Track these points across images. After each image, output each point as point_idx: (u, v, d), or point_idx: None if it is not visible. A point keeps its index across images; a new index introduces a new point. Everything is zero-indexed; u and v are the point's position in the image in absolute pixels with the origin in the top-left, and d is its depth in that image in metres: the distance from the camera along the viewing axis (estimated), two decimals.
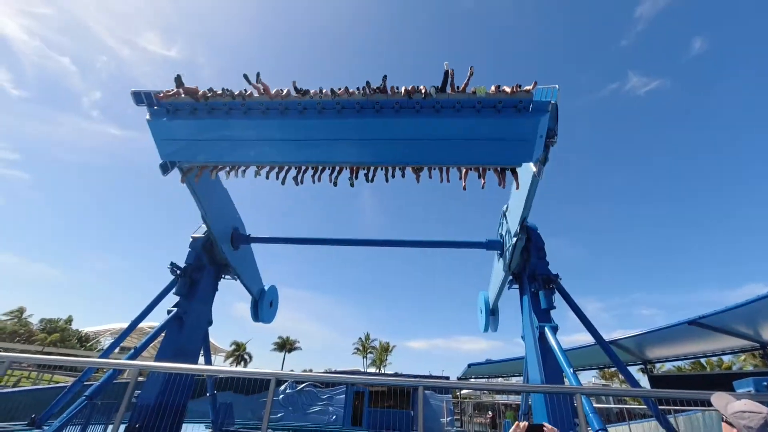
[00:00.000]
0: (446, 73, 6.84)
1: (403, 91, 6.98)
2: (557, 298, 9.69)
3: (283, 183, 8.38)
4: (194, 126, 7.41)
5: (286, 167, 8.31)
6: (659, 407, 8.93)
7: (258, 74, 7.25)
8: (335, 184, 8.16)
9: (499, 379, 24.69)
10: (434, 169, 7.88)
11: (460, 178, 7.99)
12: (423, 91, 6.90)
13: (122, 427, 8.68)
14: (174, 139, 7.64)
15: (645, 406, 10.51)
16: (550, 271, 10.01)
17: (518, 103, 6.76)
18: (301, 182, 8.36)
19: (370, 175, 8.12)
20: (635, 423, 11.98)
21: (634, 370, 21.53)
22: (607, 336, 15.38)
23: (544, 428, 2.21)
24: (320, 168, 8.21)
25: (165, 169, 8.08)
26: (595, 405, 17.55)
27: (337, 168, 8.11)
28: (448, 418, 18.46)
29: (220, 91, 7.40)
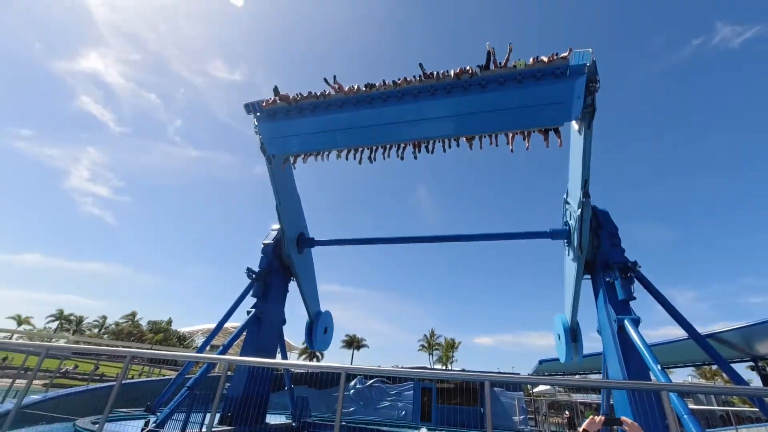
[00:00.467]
0: (488, 53, 7.76)
1: (452, 74, 8.00)
2: (637, 287, 8.87)
3: (360, 162, 9.73)
4: (289, 124, 9.31)
5: (361, 148, 9.68)
6: None
7: (334, 77, 8.97)
8: (402, 158, 9.48)
9: (576, 376, 23.01)
10: (484, 137, 8.70)
11: (508, 143, 8.70)
12: (470, 71, 7.87)
13: (217, 416, 9.81)
14: (276, 136, 9.63)
15: (757, 409, 9.15)
16: (627, 258, 9.18)
17: (555, 69, 7.44)
18: (374, 160, 9.68)
19: (431, 147, 9.19)
20: (744, 427, 10.48)
21: (742, 368, 18.75)
22: (703, 329, 13.62)
23: (623, 421, 2.13)
24: (388, 146, 9.46)
25: (270, 161, 10.33)
26: (693, 406, 15.68)
27: (402, 145, 9.32)
28: (521, 417, 17.73)
29: (306, 94, 9.21)
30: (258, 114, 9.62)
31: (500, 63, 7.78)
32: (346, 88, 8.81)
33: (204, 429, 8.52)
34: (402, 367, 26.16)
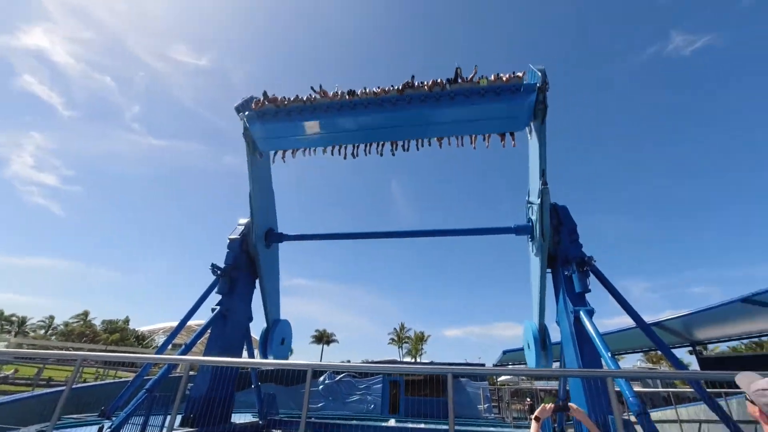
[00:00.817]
0: (456, 70, 9.37)
1: (426, 87, 9.44)
2: (593, 281, 9.46)
3: (345, 158, 10.95)
4: (278, 125, 10.34)
5: (345, 146, 10.91)
6: (709, 390, 8.55)
7: (320, 85, 10.32)
8: (381, 154, 10.79)
9: (533, 366, 24.13)
10: (452, 138, 10.30)
11: (471, 143, 10.35)
12: (441, 84, 9.35)
13: (179, 418, 9.45)
14: (267, 137, 10.69)
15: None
16: (584, 253, 9.74)
17: (512, 87, 9.05)
18: (356, 155, 10.90)
19: (407, 146, 10.57)
20: (683, 407, 11.50)
21: (683, 352, 20.49)
22: (654, 318, 14.73)
23: (571, 407, 2.28)
24: (369, 144, 10.74)
25: (260, 155, 11.27)
26: (640, 389, 16.98)
27: (381, 143, 10.64)
28: (486, 405, 18.47)
29: (293, 98, 10.36)
30: (248, 113, 10.49)
31: (468, 77, 9.39)
32: (330, 94, 10.10)
33: None
34: (371, 361, 26.31)
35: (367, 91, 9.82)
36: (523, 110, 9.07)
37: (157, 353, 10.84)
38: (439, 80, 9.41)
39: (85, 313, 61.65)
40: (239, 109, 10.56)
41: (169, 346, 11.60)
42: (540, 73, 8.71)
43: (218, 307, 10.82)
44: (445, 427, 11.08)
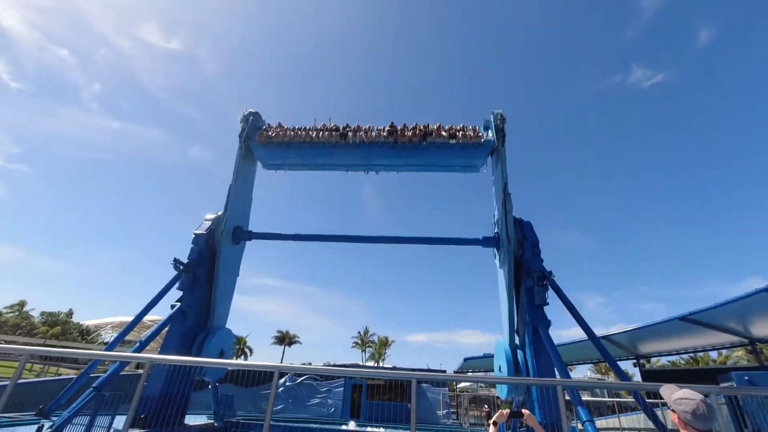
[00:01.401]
0: (432, 132, 12.00)
1: (406, 136, 11.93)
2: (551, 294, 9.98)
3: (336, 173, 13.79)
4: (279, 152, 12.56)
5: (332, 168, 13.27)
6: (649, 400, 9.24)
7: (313, 125, 12.66)
8: (367, 173, 13.09)
9: (493, 374, 24.97)
10: (428, 168, 12.70)
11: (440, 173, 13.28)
12: (420, 132, 11.91)
13: (125, 418, 8.97)
14: (269, 161, 13.02)
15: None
16: (545, 267, 10.26)
17: (474, 144, 11.73)
18: (349, 171, 13.13)
19: (385, 173, 13.05)
20: (625, 416, 12.32)
21: (628, 365, 21.91)
22: (605, 331, 15.71)
23: (524, 413, 2.46)
24: (354, 169, 12.98)
25: (244, 152, 12.49)
26: (588, 398, 17.98)
27: (368, 171, 12.94)
28: (445, 411, 18.85)
29: (291, 129, 12.57)
30: (255, 143, 12.43)
31: (437, 127, 12.11)
32: (330, 125, 12.51)
33: None
34: (334, 364, 26.11)
35: (357, 134, 12.15)
36: (482, 159, 12.03)
37: (107, 349, 10.24)
38: (420, 128, 12.02)
39: (21, 303, 56.59)
40: (246, 138, 12.40)
41: (119, 343, 11.00)
42: (499, 117, 11.50)
43: (179, 304, 10.40)
44: (404, 431, 11.26)
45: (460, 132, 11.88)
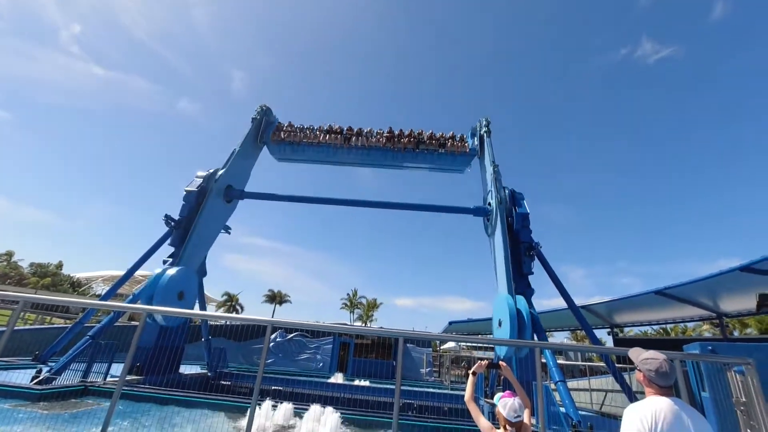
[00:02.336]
0: (425, 139, 14.41)
1: (403, 141, 14.28)
2: (536, 264, 10.33)
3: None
4: (289, 148, 14.67)
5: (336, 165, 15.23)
6: (619, 365, 9.89)
7: (320, 126, 14.89)
8: (366, 167, 15.53)
9: (478, 336, 26.41)
10: (419, 168, 15.16)
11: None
12: (415, 138, 14.36)
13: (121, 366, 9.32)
14: (280, 155, 15.00)
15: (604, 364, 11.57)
16: (532, 239, 10.55)
17: (460, 153, 14.25)
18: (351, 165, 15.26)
19: (383, 170, 15.47)
20: (595, 378, 13.20)
21: (603, 333, 23.14)
22: (584, 301, 16.44)
23: (501, 365, 2.64)
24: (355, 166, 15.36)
25: (262, 143, 14.63)
26: (563, 362, 19.16)
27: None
28: (427, 369, 19.97)
29: (300, 129, 14.82)
30: (269, 142, 14.45)
31: (429, 134, 14.54)
32: (336, 127, 14.64)
33: (110, 378, 8.12)
34: (323, 323, 26.96)
35: (360, 138, 14.37)
36: (465, 165, 14.59)
37: (101, 300, 10.41)
38: (415, 134, 14.47)
39: (9, 254, 56.33)
40: (262, 141, 14.40)
41: (112, 296, 11.19)
42: (485, 121, 13.85)
43: (170, 259, 10.50)
44: (388, 386, 11.98)
45: (449, 141, 14.34)
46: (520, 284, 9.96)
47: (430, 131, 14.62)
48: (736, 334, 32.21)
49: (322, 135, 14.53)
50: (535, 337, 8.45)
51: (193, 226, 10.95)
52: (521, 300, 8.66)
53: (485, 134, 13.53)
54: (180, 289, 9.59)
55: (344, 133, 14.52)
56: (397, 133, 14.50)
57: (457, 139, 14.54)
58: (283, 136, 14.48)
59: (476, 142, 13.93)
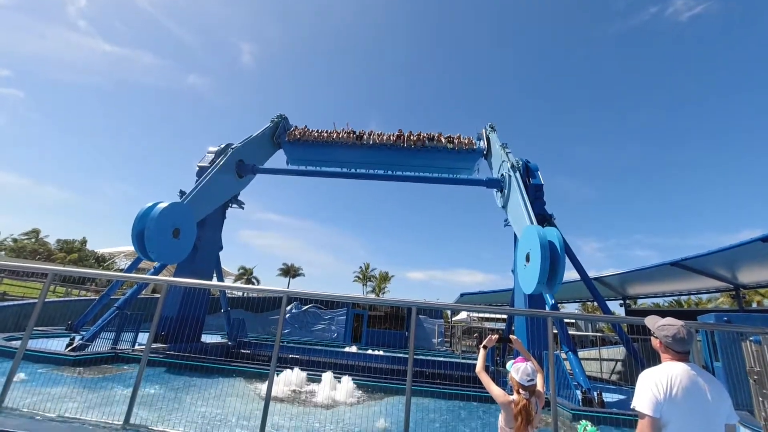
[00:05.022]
0: (433, 138, 14.62)
1: (412, 140, 14.45)
2: None
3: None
4: (302, 149, 14.89)
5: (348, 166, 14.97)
6: (630, 335, 9.94)
7: (334, 124, 15.39)
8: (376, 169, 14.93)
9: (491, 305, 26.62)
10: (430, 167, 14.81)
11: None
12: (422, 139, 14.50)
13: (147, 335, 9.84)
14: (294, 156, 15.22)
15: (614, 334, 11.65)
16: (546, 210, 10.41)
17: (470, 149, 14.26)
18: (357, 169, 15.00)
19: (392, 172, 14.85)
20: (605, 348, 13.34)
21: (615, 305, 23.13)
22: (597, 274, 16.35)
23: (511, 338, 2.67)
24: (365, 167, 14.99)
25: (278, 145, 15.04)
26: (573, 332, 19.35)
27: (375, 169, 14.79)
28: (439, 339, 20.49)
29: (314, 132, 14.96)
30: (285, 142, 14.76)
31: (437, 135, 14.67)
32: (342, 134, 14.75)
33: (137, 346, 8.59)
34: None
35: (371, 138, 14.60)
36: (473, 161, 14.60)
37: (126, 272, 10.85)
38: (422, 135, 14.60)
39: (36, 231, 58.60)
40: (278, 141, 14.80)
41: (134, 270, 11.64)
42: (489, 127, 14.28)
43: None
44: (401, 355, 12.38)
45: (457, 139, 14.53)
46: None
47: (439, 132, 14.84)
48: (753, 305, 31.79)
49: (335, 133, 14.81)
50: (546, 308, 8.50)
51: (202, 178, 10.72)
52: (552, 231, 7.22)
53: (491, 128, 14.10)
54: (175, 226, 8.61)
55: (356, 134, 14.81)
56: (406, 133, 14.71)
57: (464, 138, 14.68)
58: (297, 135, 14.74)
59: (483, 144, 14.19)
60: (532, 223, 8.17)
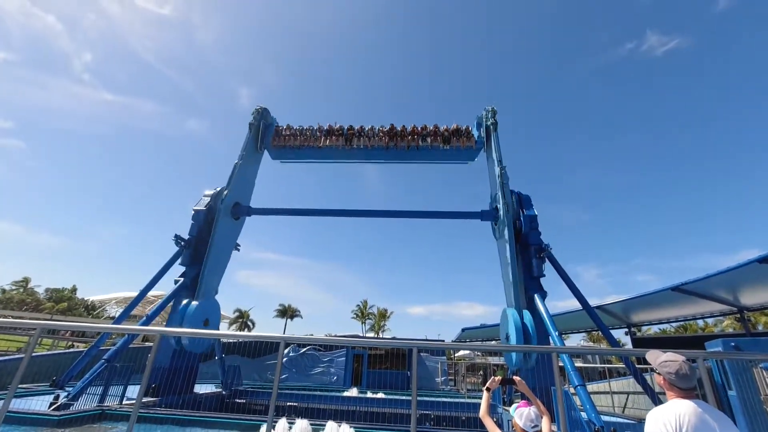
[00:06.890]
0: (426, 134, 13.84)
1: (406, 143, 13.69)
2: (548, 266, 10.18)
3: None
4: (288, 151, 14.20)
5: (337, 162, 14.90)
6: (639, 366, 9.64)
7: (319, 126, 14.33)
8: (365, 164, 15.27)
9: (492, 342, 25.95)
10: (428, 162, 14.40)
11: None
12: (417, 133, 13.79)
13: (137, 388, 9.35)
14: (281, 157, 14.55)
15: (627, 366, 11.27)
16: (542, 240, 10.43)
17: (468, 146, 13.53)
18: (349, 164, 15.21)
19: (389, 172, 15.13)
20: (615, 380, 12.86)
21: (620, 333, 22.63)
22: (599, 302, 16.12)
23: (515, 379, 2.59)
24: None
25: (262, 149, 14.16)
26: (580, 365, 18.71)
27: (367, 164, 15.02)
28: (442, 378, 19.64)
29: (300, 131, 14.32)
30: (270, 147, 14.13)
31: (433, 129, 13.79)
32: (336, 127, 14.11)
33: (125, 401, 8.13)
34: (335, 335, 26.82)
35: (360, 138, 13.88)
36: (473, 153, 13.74)
37: (115, 323, 10.49)
38: (416, 130, 13.81)
39: (26, 280, 57.33)
40: (262, 145, 13.98)
41: (125, 318, 11.29)
42: (491, 111, 13.14)
43: (182, 279, 10.59)
44: (404, 397, 11.81)
45: (453, 137, 13.76)
46: (531, 287, 9.82)
47: (434, 125, 13.85)
48: (760, 328, 31.24)
49: (323, 138, 13.96)
50: (551, 341, 8.30)
51: (206, 251, 11.06)
52: (527, 314, 9.03)
53: (491, 126, 12.74)
54: (205, 317, 10.27)
55: (345, 133, 13.94)
56: (399, 129, 13.84)
57: (462, 130, 13.69)
58: (284, 141, 14.06)
59: (482, 134, 13.21)
60: (516, 294, 9.48)
